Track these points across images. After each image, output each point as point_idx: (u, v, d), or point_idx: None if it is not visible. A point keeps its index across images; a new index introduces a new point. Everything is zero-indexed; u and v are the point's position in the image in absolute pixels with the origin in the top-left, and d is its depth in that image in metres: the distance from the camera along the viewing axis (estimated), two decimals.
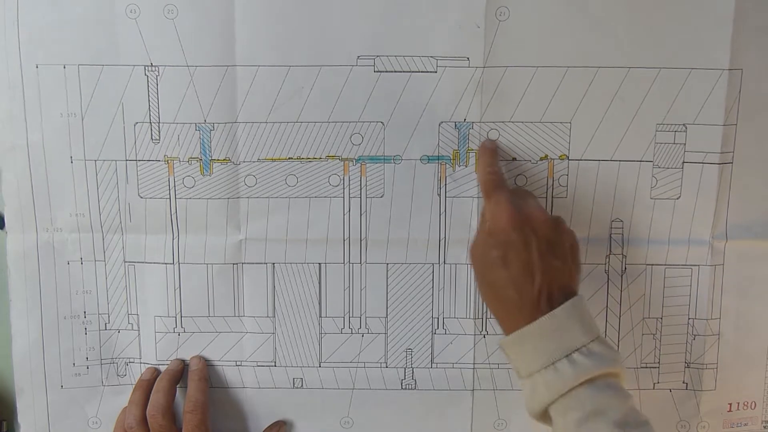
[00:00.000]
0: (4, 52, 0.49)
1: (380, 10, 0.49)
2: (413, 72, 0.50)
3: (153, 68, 0.50)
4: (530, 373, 0.42)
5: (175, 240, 0.52)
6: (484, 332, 0.54)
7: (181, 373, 0.53)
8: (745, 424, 0.55)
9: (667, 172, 0.52)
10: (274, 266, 0.53)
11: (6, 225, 0.52)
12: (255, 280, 0.53)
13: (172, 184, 0.52)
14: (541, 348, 0.42)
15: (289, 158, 0.52)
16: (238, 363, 0.54)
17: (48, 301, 0.53)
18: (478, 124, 0.51)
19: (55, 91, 0.50)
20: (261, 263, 0.53)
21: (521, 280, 0.43)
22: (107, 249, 0.53)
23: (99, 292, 0.53)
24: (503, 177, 0.49)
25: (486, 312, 0.53)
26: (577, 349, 0.41)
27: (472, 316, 0.53)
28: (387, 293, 0.53)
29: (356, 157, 0.52)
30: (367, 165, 0.52)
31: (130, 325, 0.54)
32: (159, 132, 0.51)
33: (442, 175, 0.52)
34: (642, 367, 0.54)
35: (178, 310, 0.53)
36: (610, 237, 0.53)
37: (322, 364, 0.54)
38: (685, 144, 0.51)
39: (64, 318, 0.53)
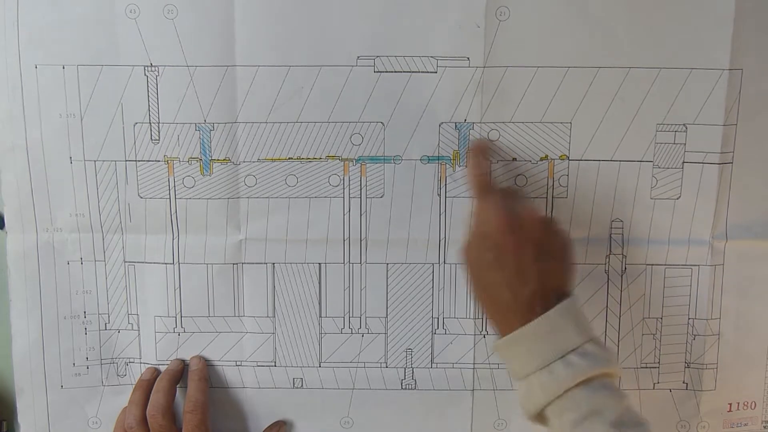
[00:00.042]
0: (3, 52, 0.49)
1: (380, 10, 0.49)
2: (413, 72, 0.50)
3: (153, 68, 0.50)
4: (525, 375, 0.42)
5: (175, 240, 0.52)
6: (484, 332, 0.54)
7: (181, 373, 0.53)
8: (745, 424, 0.55)
9: (667, 172, 0.52)
10: (274, 266, 0.53)
11: (6, 225, 0.52)
12: (255, 280, 0.53)
13: (172, 184, 0.52)
14: (536, 350, 0.42)
15: (289, 158, 0.52)
16: (238, 363, 0.54)
17: (48, 301, 0.53)
18: (479, 124, 0.51)
19: (54, 92, 0.50)
20: (261, 263, 0.53)
21: (515, 282, 0.43)
22: (107, 249, 0.53)
23: (99, 292, 0.53)
24: (493, 177, 0.49)
25: None
26: (571, 350, 0.41)
27: (472, 316, 0.53)
28: (387, 293, 0.53)
29: (356, 158, 0.52)
30: (367, 165, 0.52)
31: (130, 325, 0.54)
32: (159, 132, 0.51)
33: (442, 175, 0.52)
34: (642, 367, 0.54)
35: (178, 310, 0.53)
36: (610, 237, 0.53)
37: (322, 364, 0.54)
38: (685, 144, 0.51)
39: (64, 318, 0.53)
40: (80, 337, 0.53)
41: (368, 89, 0.50)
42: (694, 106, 0.50)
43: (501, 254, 0.43)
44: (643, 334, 0.54)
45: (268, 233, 0.52)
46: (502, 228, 0.44)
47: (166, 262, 0.53)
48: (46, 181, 0.51)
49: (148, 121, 0.51)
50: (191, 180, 0.52)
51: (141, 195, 0.52)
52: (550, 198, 0.52)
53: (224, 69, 0.50)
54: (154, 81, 0.50)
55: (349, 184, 0.52)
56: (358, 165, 0.52)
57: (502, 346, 0.43)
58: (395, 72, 0.50)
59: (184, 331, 0.54)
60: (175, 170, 0.51)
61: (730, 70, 0.50)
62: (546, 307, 0.42)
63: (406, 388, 0.54)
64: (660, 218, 0.52)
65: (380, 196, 0.52)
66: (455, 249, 0.53)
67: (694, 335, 0.54)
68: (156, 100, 0.50)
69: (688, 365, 0.54)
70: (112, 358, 0.54)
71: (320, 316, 0.54)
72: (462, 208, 0.52)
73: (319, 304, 0.54)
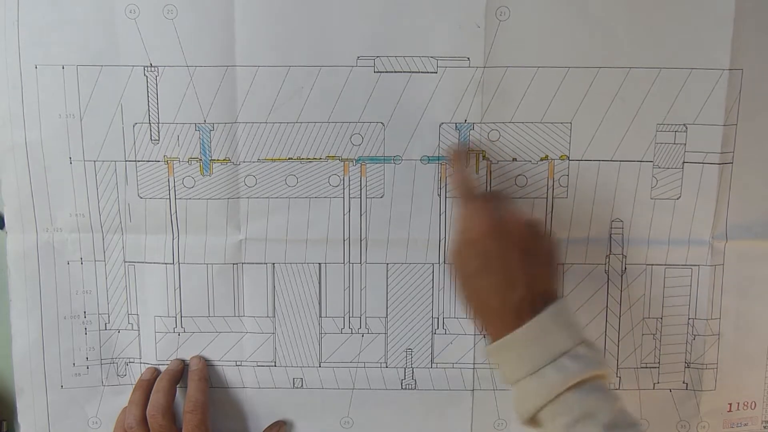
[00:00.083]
0: (3, 52, 0.49)
1: (380, 10, 0.49)
2: (413, 72, 0.50)
3: (152, 68, 0.50)
4: (517, 380, 0.42)
5: (175, 240, 0.52)
6: (483, 332, 0.53)
7: (181, 373, 0.53)
8: (745, 424, 0.55)
9: (668, 172, 0.52)
10: (274, 266, 0.53)
11: (6, 225, 0.52)
12: (255, 280, 0.53)
13: (171, 185, 0.52)
14: (527, 354, 0.41)
15: (289, 158, 0.51)
16: (238, 363, 0.54)
17: (48, 301, 0.53)
18: (479, 124, 0.51)
19: (54, 92, 0.50)
20: (261, 263, 0.53)
21: (503, 288, 0.43)
22: (107, 249, 0.53)
23: (99, 292, 0.53)
24: (476, 182, 0.49)
25: None
26: (562, 354, 0.41)
27: None
28: (387, 293, 0.53)
29: (356, 158, 0.52)
30: (367, 165, 0.52)
31: (130, 325, 0.54)
32: (158, 132, 0.51)
33: (442, 175, 0.52)
34: (642, 367, 0.54)
35: (178, 310, 0.53)
36: (610, 237, 0.53)
37: (322, 364, 0.54)
38: (685, 144, 0.51)
39: (64, 318, 0.53)
40: (80, 337, 0.53)
41: (368, 89, 0.50)
42: (694, 106, 0.50)
43: (488, 260, 0.43)
44: (643, 334, 0.54)
45: (268, 233, 0.52)
46: (488, 234, 0.44)
47: (166, 262, 0.53)
48: (45, 181, 0.51)
49: (148, 121, 0.51)
50: (191, 180, 0.52)
51: (141, 195, 0.52)
52: (550, 198, 0.52)
53: (224, 69, 0.50)
54: (154, 81, 0.50)
55: (349, 185, 0.52)
56: (358, 165, 0.52)
57: (493, 351, 0.43)
58: (395, 72, 0.50)
59: (184, 331, 0.54)
60: (175, 170, 0.51)
61: (730, 70, 0.50)
62: (535, 311, 0.42)
63: (406, 388, 0.54)
64: (660, 218, 0.52)
65: (380, 196, 0.52)
66: None
67: (694, 335, 0.54)
68: (156, 100, 0.50)
69: (688, 365, 0.54)
70: (112, 358, 0.54)
71: (320, 316, 0.54)
72: None
73: (319, 304, 0.54)
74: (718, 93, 0.50)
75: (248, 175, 0.52)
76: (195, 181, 0.52)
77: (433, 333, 0.54)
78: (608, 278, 0.53)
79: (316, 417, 0.55)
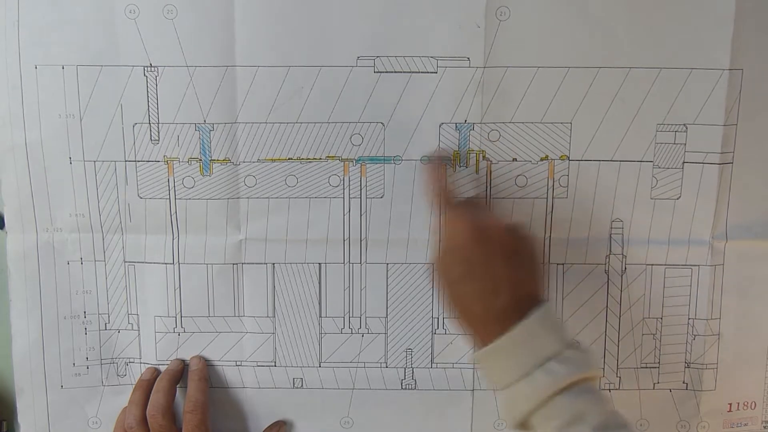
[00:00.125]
0: (3, 52, 0.49)
1: (380, 10, 0.49)
2: (413, 72, 0.50)
3: (152, 69, 0.50)
4: (506, 385, 0.42)
5: (175, 240, 0.52)
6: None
7: (181, 373, 0.53)
8: (745, 424, 0.55)
9: (668, 172, 0.52)
10: (274, 266, 0.53)
11: (6, 225, 0.52)
12: (255, 280, 0.53)
13: (171, 185, 0.52)
14: (515, 360, 0.41)
15: (289, 158, 0.51)
16: (238, 363, 0.54)
17: (48, 301, 0.53)
18: (479, 124, 0.51)
19: (54, 92, 0.50)
20: (261, 263, 0.53)
21: (487, 294, 0.43)
22: (107, 249, 0.53)
23: (99, 292, 0.53)
24: (453, 191, 0.49)
25: None
26: (551, 358, 0.41)
27: None
28: (387, 293, 0.53)
29: (356, 158, 0.52)
30: (367, 165, 0.52)
31: (130, 325, 0.54)
32: (158, 132, 0.51)
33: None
34: (642, 367, 0.54)
35: (178, 310, 0.53)
36: (610, 237, 0.53)
37: (322, 364, 0.54)
38: (685, 144, 0.51)
39: (64, 318, 0.53)
40: (80, 337, 0.53)
41: (368, 89, 0.50)
42: (694, 106, 0.50)
43: (471, 267, 0.43)
44: (643, 334, 0.54)
45: (268, 233, 0.52)
46: (471, 240, 0.44)
47: (166, 262, 0.53)
48: (45, 181, 0.51)
49: (148, 121, 0.51)
50: (191, 180, 0.52)
51: (141, 195, 0.52)
52: (550, 198, 0.52)
53: (224, 69, 0.50)
54: (154, 81, 0.50)
55: (349, 185, 0.52)
56: (358, 165, 0.52)
57: (482, 357, 0.43)
58: (395, 72, 0.50)
59: (184, 331, 0.54)
60: (174, 170, 0.51)
61: (730, 70, 0.50)
62: (521, 316, 0.42)
63: (406, 388, 0.54)
64: (660, 218, 0.52)
65: (380, 196, 0.52)
66: None
67: (694, 335, 0.54)
68: (156, 100, 0.50)
69: (688, 365, 0.54)
70: (112, 358, 0.54)
71: (320, 316, 0.54)
72: None
73: (319, 304, 0.54)
74: (718, 93, 0.50)
75: (248, 175, 0.52)
76: (195, 181, 0.52)
77: (433, 333, 0.54)
78: (608, 278, 0.53)
79: (316, 417, 0.55)
